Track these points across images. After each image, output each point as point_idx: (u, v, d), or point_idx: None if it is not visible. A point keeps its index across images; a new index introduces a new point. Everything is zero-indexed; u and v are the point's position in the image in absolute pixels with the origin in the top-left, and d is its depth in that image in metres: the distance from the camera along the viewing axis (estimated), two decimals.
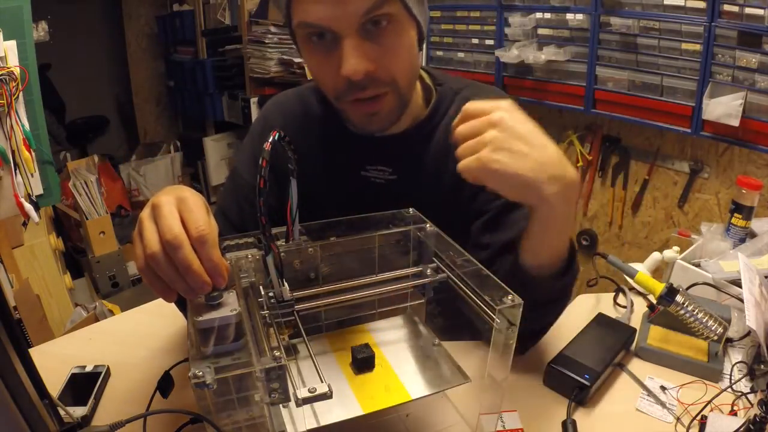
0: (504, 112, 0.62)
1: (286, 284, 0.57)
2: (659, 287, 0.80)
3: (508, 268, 0.69)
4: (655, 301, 0.83)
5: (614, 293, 1.00)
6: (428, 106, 0.84)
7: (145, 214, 0.52)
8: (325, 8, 0.65)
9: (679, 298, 0.78)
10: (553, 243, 0.67)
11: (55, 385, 0.73)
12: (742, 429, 0.64)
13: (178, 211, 0.51)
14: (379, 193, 0.78)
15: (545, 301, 0.70)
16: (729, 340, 0.85)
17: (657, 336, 0.84)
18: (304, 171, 0.85)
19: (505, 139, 0.60)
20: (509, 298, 0.52)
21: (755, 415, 0.65)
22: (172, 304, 0.78)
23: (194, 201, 0.52)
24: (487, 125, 0.61)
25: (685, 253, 1.12)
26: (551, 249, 0.67)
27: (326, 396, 0.47)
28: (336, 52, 0.67)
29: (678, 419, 0.70)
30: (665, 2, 1.72)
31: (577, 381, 0.72)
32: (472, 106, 0.64)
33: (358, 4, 0.64)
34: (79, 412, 0.68)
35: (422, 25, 0.74)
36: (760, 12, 1.52)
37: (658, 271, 1.15)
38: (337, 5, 0.64)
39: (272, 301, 0.57)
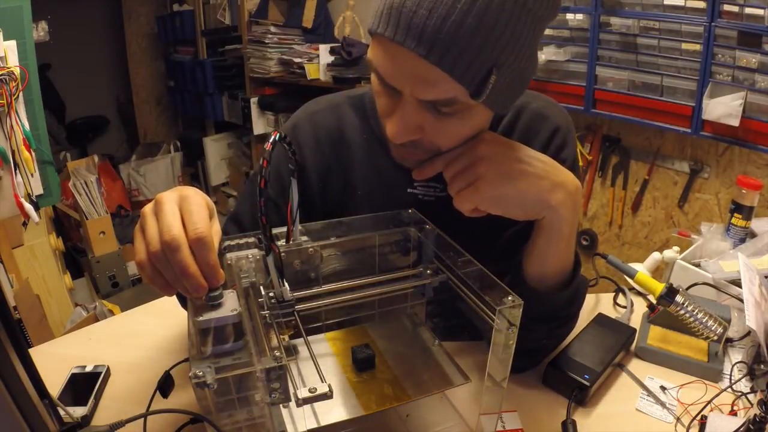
0: (486, 143, 0.61)
1: (286, 284, 0.57)
2: (659, 287, 0.80)
3: (509, 281, 0.66)
4: (655, 301, 0.83)
5: (614, 293, 1.00)
6: None
7: (148, 209, 0.52)
8: (389, 64, 0.58)
9: (679, 298, 0.78)
10: (560, 253, 0.66)
11: (55, 385, 0.73)
12: (742, 429, 0.64)
13: (179, 209, 0.51)
14: (426, 211, 0.71)
15: (547, 317, 0.69)
16: (729, 340, 0.85)
17: (657, 336, 0.84)
18: (339, 185, 0.82)
19: (499, 166, 0.59)
20: (509, 298, 0.52)
21: (755, 415, 0.65)
22: (173, 304, 0.79)
23: (196, 201, 0.52)
24: (474, 159, 0.60)
25: (685, 253, 1.12)
26: (557, 260, 0.67)
27: (327, 396, 0.47)
28: (396, 99, 0.61)
29: (678, 419, 0.70)
30: (665, 2, 1.72)
31: (577, 381, 0.72)
32: (453, 152, 0.63)
33: (420, 86, 0.57)
34: (79, 412, 0.68)
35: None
36: (760, 12, 1.52)
37: (658, 271, 1.15)
38: (401, 68, 0.57)
39: (272, 301, 0.57)
